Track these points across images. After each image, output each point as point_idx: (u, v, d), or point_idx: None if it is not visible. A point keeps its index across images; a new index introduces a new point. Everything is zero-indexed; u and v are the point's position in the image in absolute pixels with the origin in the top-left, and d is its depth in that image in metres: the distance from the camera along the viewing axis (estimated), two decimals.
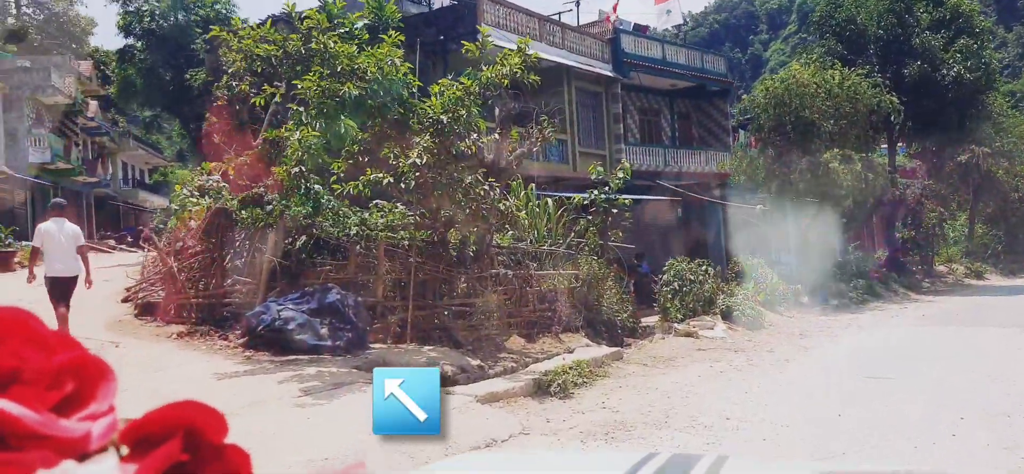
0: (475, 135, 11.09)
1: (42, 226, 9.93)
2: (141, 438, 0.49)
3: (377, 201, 12.80)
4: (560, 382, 9.06)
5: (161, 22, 29.98)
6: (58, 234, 9.71)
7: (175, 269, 11.78)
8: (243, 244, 12.22)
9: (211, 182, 13.48)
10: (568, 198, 16.45)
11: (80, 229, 10.20)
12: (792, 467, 2.98)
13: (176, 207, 13.33)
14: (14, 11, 48.67)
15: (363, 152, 10.67)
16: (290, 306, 10.50)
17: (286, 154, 8.90)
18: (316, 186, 11.17)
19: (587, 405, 8.59)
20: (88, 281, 9.89)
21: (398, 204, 12.84)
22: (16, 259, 22.51)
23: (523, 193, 15.26)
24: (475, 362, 10.61)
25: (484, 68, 10.07)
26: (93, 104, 40.42)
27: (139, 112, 38.57)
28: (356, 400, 7.74)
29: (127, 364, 9.18)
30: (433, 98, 10.45)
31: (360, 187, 11.00)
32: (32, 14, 49.54)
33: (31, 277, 10.05)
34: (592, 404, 8.64)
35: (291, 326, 10.26)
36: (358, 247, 11.39)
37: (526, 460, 2.37)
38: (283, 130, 8.72)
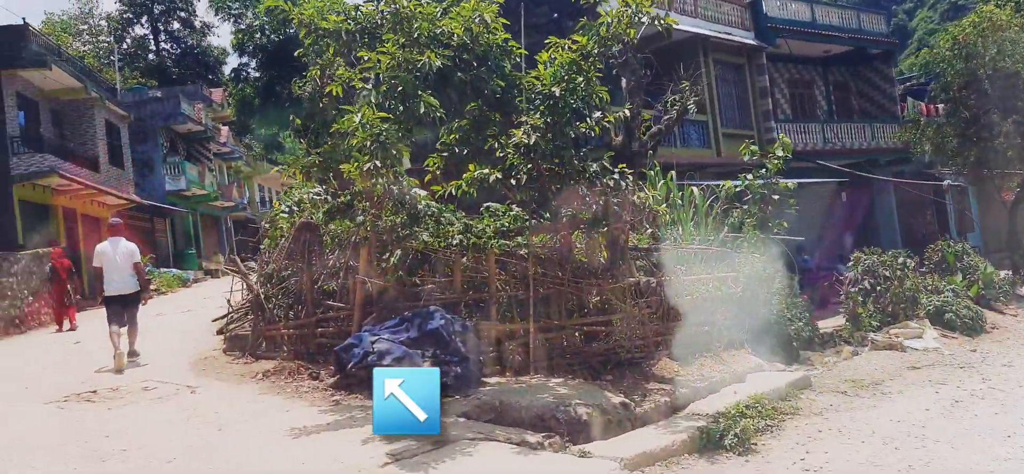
0: (598, 112, 8.79)
1: (99, 246, 10.24)
2: None
3: (488, 205, 10.77)
4: (737, 431, 6.59)
5: (271, 36, 29.57)
6: (113, 253, 9.98)
7: (262, 296, 10.20)
8: (338, 263, 10.49)
9: (312, 195, 11.95)
10: (715, 186, 13.81)
11: (136, 247, 10.34)
12: None
13: (266, 224, 11.85)
14: (153, 48, 50.91)
15: (462, 143, 8.61)
16: (386, 336, 8.60)
17: (353, 146, 6.92)
18: (414, 189, 9.26)
19: (780, 464, 6.09)
20: (144, 298, 10.38)
21: (513, 206, 10.76)
22: (152, 287, 22.42)
23: (661, 183, 12.80)
24: (616, 399, 8.30)
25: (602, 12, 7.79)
26: (224, 129, 41.29)
27: (257, 129, 38.75)
28: (462, 471, 5.64)
29: (195, 417, 7.55)
30: (541, 67, 8.25)
31: (464, 187, 8.98)
32: (169, 49, 51.73)
33: (100, 298, 10.27)
34: (787, 462, 6.12)
35: (386, 361, 8.33)
36: (464, 260, 9.36)
37: None
38: (347, 119, 6.75)
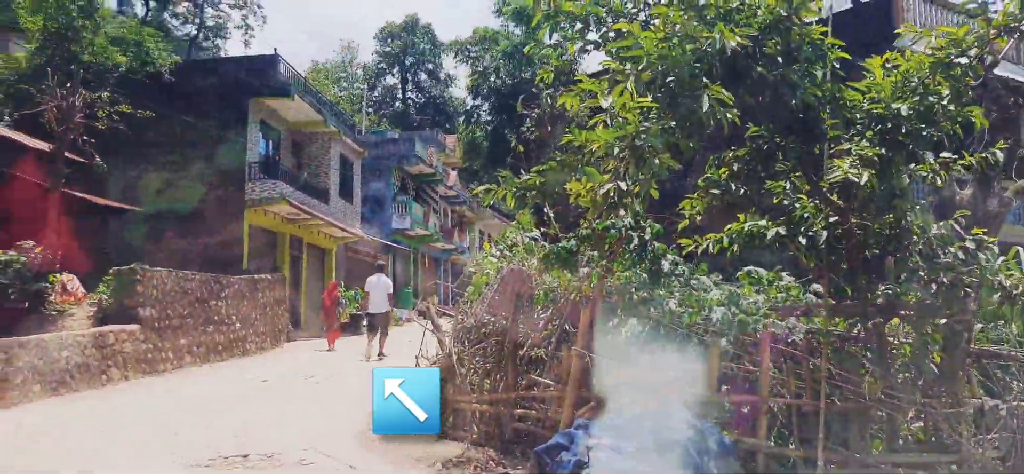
0: (949, 152, 5.85)
1: (369, 278, 15.52)
2: None
3: (751, 269, 8.07)
4: None
5: (507, 80, 28.79)
6: (376, 284, 15.10)
7: (454, 359, 8.23)
8: (552, 325, 8.29)
9: (528, 237, 10.05)
10: None
11: (390, 281, 15.98)
12: None
13: (471, 269, 10.03)
14: (400, 96, 53.51)
15: (739, 177, 6.09)
16: (607, 440, 6.18)
17: (592, 157, 4.61)
18: (655, 240, 6.90)
19: None
20: (389, 314, 15.57)
21: (783, 273, 7.97)
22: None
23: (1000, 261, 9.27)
24: None
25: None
26: (453, 173, 41.57)
27: (481, 172, 38.40)
28: None
29: None
30: (878, 73, 5.52)
31: (725, 242, 6.46)
32: (415, 98, 54.09)
33: (363, 306, 16.13)
34: None
35: None
36: (723, 342, 6.72)
37: None
38: (591, 123, 4.44)
